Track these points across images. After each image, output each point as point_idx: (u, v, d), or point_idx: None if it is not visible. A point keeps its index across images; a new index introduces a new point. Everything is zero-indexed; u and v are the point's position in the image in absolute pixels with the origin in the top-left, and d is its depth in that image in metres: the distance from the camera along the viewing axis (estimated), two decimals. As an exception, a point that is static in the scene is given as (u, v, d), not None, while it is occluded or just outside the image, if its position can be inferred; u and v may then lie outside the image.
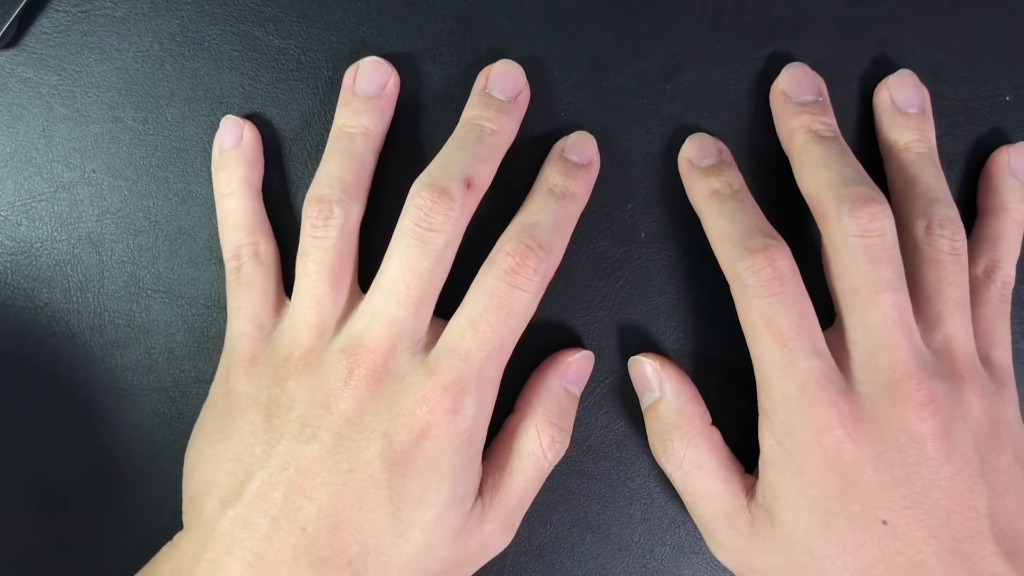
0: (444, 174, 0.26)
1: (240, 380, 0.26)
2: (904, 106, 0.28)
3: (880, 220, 0.25)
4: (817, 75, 0.28)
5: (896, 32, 0.29)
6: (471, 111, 0.28)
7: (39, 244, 0.30)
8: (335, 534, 0.24)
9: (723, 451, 0.27)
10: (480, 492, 0.26)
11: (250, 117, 0.29)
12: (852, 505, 0.24)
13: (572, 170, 0.28)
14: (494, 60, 0.29)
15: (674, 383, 0.28)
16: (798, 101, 0.28)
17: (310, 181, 0.29)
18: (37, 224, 0.30)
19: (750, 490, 0.26)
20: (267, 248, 0.28)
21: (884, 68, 0.29)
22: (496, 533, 0.27)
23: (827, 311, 0.26)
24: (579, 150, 0.28)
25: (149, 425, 0.30)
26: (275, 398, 0.26)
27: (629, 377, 0.29)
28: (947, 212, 0.26)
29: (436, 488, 0.25)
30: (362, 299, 0.27)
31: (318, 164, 0.29)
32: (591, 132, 0.29)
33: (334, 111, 0.29)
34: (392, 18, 0.29)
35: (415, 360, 0.25)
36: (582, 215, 0.29)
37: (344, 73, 0.29)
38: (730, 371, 0.29)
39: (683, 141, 0.29)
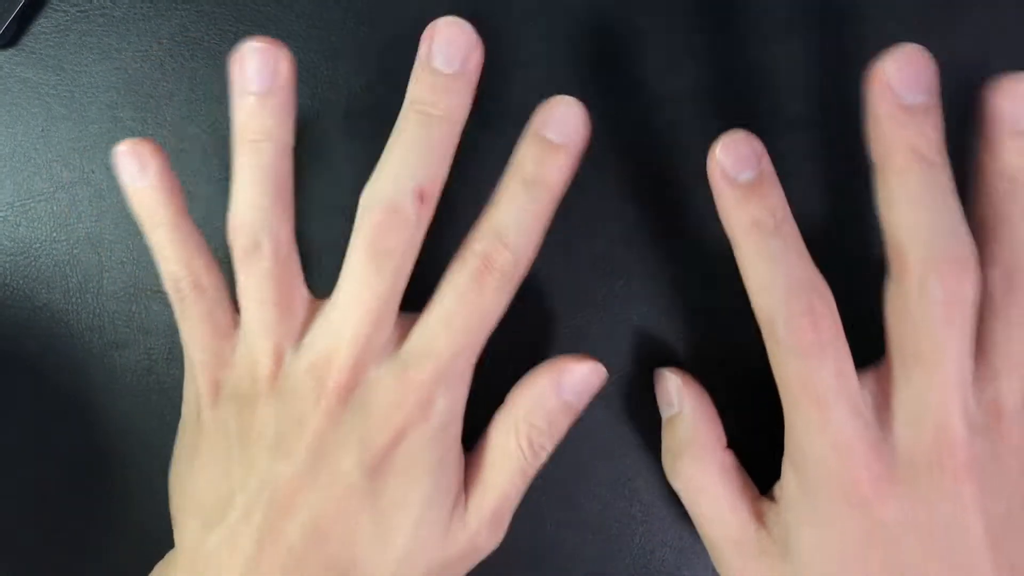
0: (393, 188, 0.24)
1: (207, 407, 0.26)
2: (1020, 122, 0.23)
3: (968, 289, 0.22)
4: (933, 64, 0.23)
5: (896, 32, 0.29)
6: (415, 91, 0.25)
7: (38, 245, 0.30)
8: (322, 550, 0.24)
9: (734, 476, 0.26)
10: (465, 488, 0.26)
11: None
12: (873, 558, 0.23)
13: (548, 153, 0.25)
14: (494, 60, 0.28)
15: (693, 401, 0.27)
16: (906, 103, 0.23)
17: (308, 180, 0.29)
18: (36, 225, 0.30)
19: (761, 517, 0.26)
20: (209, 276, 0.27)
21: (884, 68, 0.29)
22: (483, 531, 0.26)
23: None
24: (558, 125, 0.25)
25: (149, 426, 0.30)
26: (246, 421, 0.25)
27: (629, 378, 0.29)
28: None
29: (417, 486, 0.25)
30: (320, 309, 0.26)
31: (316, 164, 0.29)
32: (591, 133, 0.29)
33: (333, 110, 0.29)
34: (392, 17, 0.29)
35: (383, 365, 0.25)
36: (581, 214, 0.29)
37: (339, 69, 0.28)
38: (732, 373, 0.29)
39: (683, 140, 0.29)
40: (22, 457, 0.30)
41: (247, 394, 0.25)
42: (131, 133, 0.29)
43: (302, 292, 0.26)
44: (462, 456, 0.27)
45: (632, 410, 0.29)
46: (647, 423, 0.29)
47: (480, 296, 0.25)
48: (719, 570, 0.27)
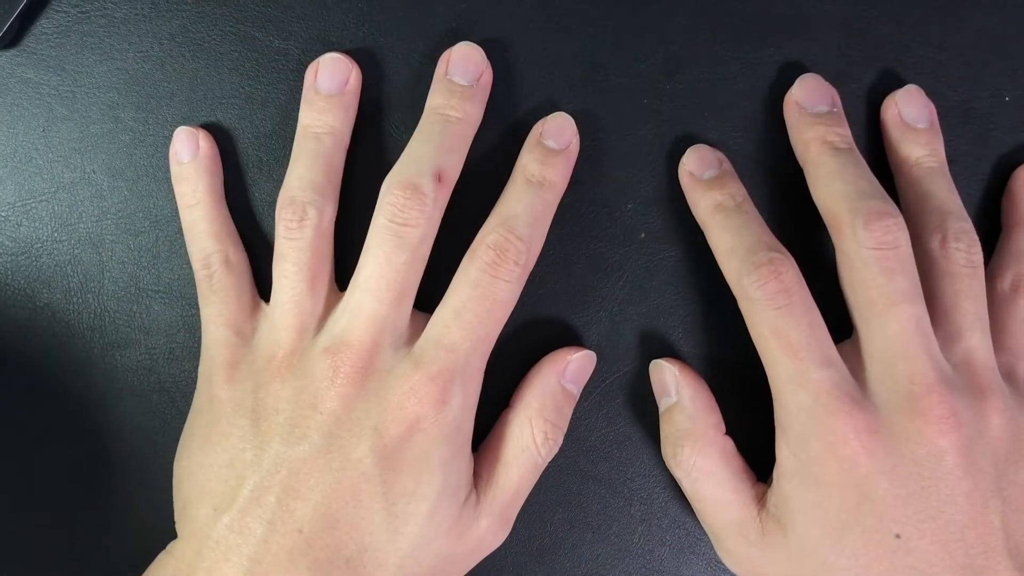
0: (415, 169, 0.26)
1: (223, 386, 0.26)
2: (913, 121, 0.28)
3: (894, 232, 0.25)
4: (831, 86, 0.28)
5: (896, 32, 0.29)
6: (435, 99, 0.28)
7: (39, 245, 0.30)
8: (331, 534, 0.24)
9: (735, 460, 0.27)
10: (475, 485, 0.27)
11: (250, 117, 0.29)
12: (866, 518, 0.24)
13: (549, 157, 0.27)
14: (494, 60, 0.29)
15: (691, 390, 0.28)
16: (812, 112, 0.28)
17: (310, 181, 0.29)
18: (37, 225, 0.30)
19: (761, 499, 0.26)
20: (237, 254, 0.28)
21: (884, 68, 0.29)
22: (492, 528, 0.27)
23: (836, 325, 0.26)
24: (556, 134, 0.28)
25: (150, 426, 0.30)
26: (261, 401, 0.26)
27: (629, 377, 0.29)
28: (962, 225, 0.26)
29: (428, 480, 0.25)
30: (341, 297, 0.27)
31: (318, 164, 0.29)
32: (591, 132, 0.29)
33: (334, 111, 0.29)
34: (392, 18, 0.29)
35: (399, 354, 0.26)
36: (582, 214, 0.29)
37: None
38: (730, 370, 0.29)
39: (683, 141, 0.29)
40: (22, 457, 0.30)
41: (263, 372, 0.26)
42: (132, 133, 0.29)
43: (330, 275, 0.28)
44: (471, 453, 0.27)
45: (632, 410, 0.29)
46: (647, 423, 0.29)
47: (493, 286, 0.26)
48: (723, 559, 0.27)
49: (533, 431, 0.27)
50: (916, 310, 0.24)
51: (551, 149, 0.28)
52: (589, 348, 0.29)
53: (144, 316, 0.30)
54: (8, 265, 0.30)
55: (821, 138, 0.27)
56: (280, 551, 0.24)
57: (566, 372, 0.28)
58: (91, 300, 0.30)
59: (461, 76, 0.28)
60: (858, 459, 0.24)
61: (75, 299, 0.30)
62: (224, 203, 0.29)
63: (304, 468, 0.24)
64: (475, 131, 0.28)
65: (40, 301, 0.30)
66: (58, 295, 0.30)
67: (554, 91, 0.29)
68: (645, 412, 0.29)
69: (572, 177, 0.28)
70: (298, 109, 0.29)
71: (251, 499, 0.24)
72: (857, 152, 0.27)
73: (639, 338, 0.29)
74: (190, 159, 0.28)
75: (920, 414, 0.24)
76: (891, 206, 0.25)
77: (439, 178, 0.26)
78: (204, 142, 0.29)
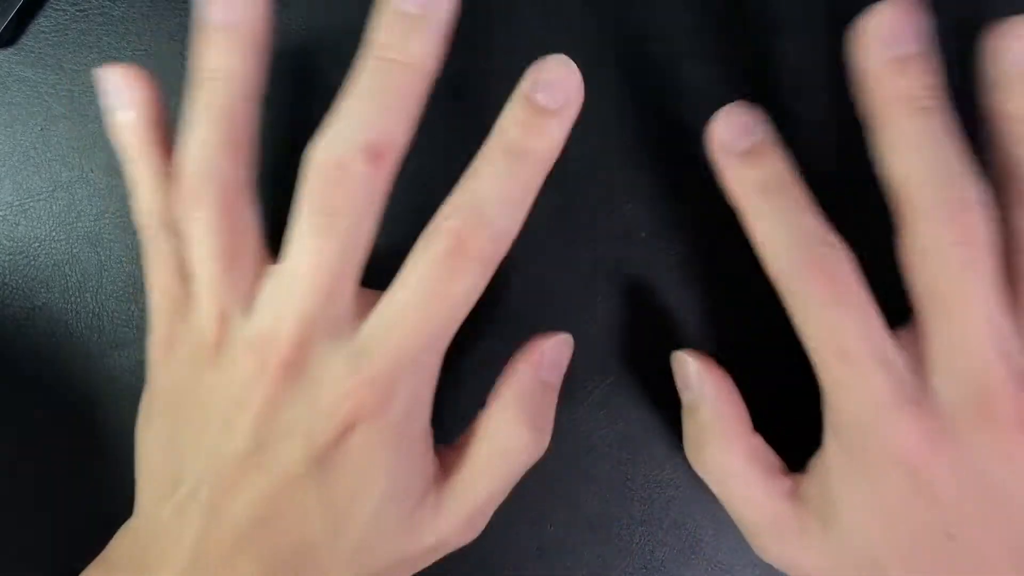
0: (340, 142, 0.22)
1: (160, 368, 0.25)
2: None
3: (981, 226, 0.21)
4: (919, 13, 0.22)
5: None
6: (375, 36, 0.22)
7: (37, 244, 0.30)
8: (271, 532, 0.23)
9: (764, 457, 0.25)
10: (439, 486, 0.25)
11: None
12: (921, 516, 0.22)
13: (537, 118, 0.22)
14: (494, 59, 0.28)
15: (714, 386, 0.25)
16: (894, 56, 0.22)
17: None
18: (35, 224, 0.30)
19: (797, 494, 0.24)
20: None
21: (884, 68, 0.29)
22: (455, 531, 0.25)
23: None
24: (550, 88, 0.22)
25: (148, 425, 0.30)
26: (192, 391, 0.24)
27: (630, 377, 0.29)
28: None
29: (370, 482, 0.23)
30: (272, 272, 0.24)
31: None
32: (591, 132, 0.29)
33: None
34: (392, 17, 0.29)
35: (337, 346, 0.23)
36: (581, 214, 0.29)
37: (339, 72, 0.28)
38: (733, 370, 0.29)
39: (683, 141, 0.29)
40: (22, 457, 0.30)
41: (194, 359, 0.24)
42: (130, 132, 0.29)
43: (254, 248, 0.24)
44: (431, 449, 0.25)
45: (632, 410, 0.29)
46: (646, 423, 0.29)
47: (449, 283, 0.22)
48: (757, 552, 0.26)
49: (510, 437, 0.25)
50: (992, 311, 0.22)
51: (543, 108, 0.22)
52: (588, 348, 0.29)
53: (142, 315, 0.30)
54: (6, 264, 0.30)
55: (904, 96, 0.22)
56: (220, 547, 0.23)
57: (543, 363, 0.25)
58: (89, 299, 0.30)
59: (412, 2, 0.22)
60: (919, 464, 0.22)
61: (73, 298, 0.30)
62: (168, 156, 0.25)
63: (235, 466, 0.23)
64: (430, 79, 0.22)
65: (38, 301, 0.30)
66: (56, 294, 0.30)
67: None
68: (646, 412, 0.29)
69: (573, 177, 0.28)
70: (295, 107, 0.29)
71: (188, 493, 0.23)
72: (947, 112, 0.22)
73: (640, 338, 0.29)
74: (124, 112, 0.25)
75: (989, 420, 0.21)
76: (981, 192, 0.22)
77: (374, 152, 0.22)
78: (140, 93, 0.25)
